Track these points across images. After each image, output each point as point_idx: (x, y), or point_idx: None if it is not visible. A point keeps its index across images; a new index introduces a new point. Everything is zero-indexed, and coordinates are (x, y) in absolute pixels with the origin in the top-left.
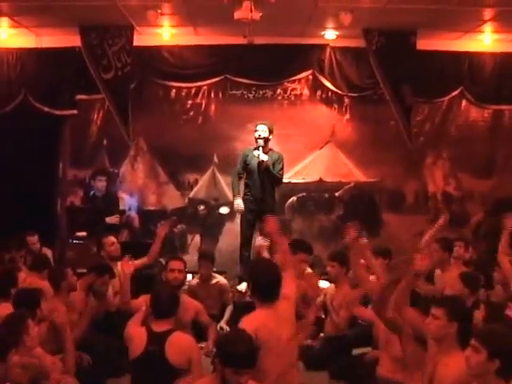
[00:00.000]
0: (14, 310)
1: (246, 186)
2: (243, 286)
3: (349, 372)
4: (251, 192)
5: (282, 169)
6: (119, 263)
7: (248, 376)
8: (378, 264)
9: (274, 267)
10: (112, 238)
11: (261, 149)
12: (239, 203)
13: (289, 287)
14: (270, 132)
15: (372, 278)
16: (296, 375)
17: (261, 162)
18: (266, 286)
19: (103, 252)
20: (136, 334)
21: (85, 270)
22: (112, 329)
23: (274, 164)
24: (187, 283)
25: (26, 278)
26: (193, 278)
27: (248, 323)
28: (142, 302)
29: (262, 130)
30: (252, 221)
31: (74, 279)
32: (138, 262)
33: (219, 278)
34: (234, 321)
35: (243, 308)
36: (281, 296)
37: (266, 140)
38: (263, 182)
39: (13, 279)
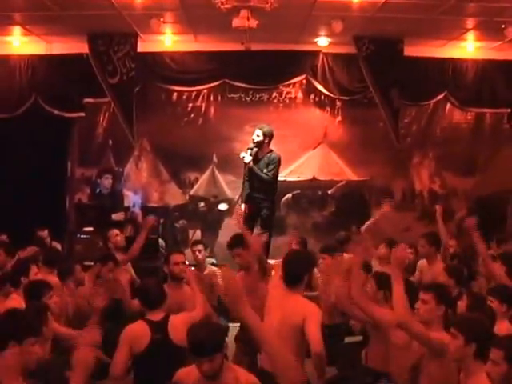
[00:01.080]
0: (25, 300)
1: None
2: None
3: (339, 358)
4: (247, 193)
5: (272, 169)
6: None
7: (210, 364)
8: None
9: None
10: (116, 230)
11: (249, 151)
12: (242, 208)
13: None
14: (266, 136)
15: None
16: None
17: (245, 163)
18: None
19: (110, 244)
20: (138, 329)
21: (92, 263)
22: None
23: (268, 164)
24: None
25: (38, 272)
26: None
27: None
28: None
29: (257, 135)
30: (252, 217)
31: (82, 275)
32: (128, 255)
33: (212, 267)
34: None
35: None
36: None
37: (261, 144)
38: (250, 181)
39: (25, 269)
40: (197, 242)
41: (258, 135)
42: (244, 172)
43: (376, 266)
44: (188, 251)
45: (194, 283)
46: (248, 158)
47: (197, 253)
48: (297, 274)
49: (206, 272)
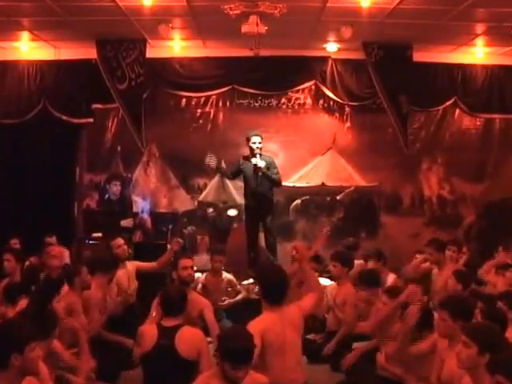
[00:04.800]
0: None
1: (245, 193)
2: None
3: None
4: (249, 198)
5: (277, 171)
6: (129, 263)
7: (245, 371)
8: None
9: (281, 272)
10: (120, 241)
11: (258, 156)
12: (234, 214)
13: (307, 304)
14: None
15: None
16: (301, 372)
17: (258, 168)
18: (273, 291)
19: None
20: (148, 330)
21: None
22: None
23: (268, 168)
24: (196, 280)
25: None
26: (202, 275)
27: (255, 326)
28: None
29: (259, 142)
30: (255, 222)
31: (88, 278)
32: (148, 265)
33: (227, 275)
34: (238, 315)
35: (250, 304)
36: (296, 304)
37: (261, 148)
38: (259, 186)
39: (35, 277)
40: (219, 252)
41: (259, 142)
42: (244, 178)
43: None
44: (197, 257)
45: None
46: (262, 163)
47: (216, 263)
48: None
49: (222, 277)
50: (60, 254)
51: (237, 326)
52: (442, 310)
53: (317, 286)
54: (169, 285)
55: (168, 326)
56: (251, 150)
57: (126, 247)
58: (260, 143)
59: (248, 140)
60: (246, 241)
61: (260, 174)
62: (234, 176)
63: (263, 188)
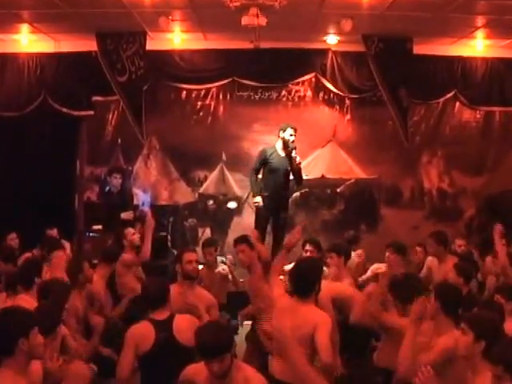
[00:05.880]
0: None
1: (265, 183)
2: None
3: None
4: (271, 189)
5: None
6: None
7: (219, 364)
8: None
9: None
10: (132, 229)
11: (294, 151)
12: (259, 201)
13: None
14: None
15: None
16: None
17: (298, 164)
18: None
19: (125, 242)
20: (142, 329)
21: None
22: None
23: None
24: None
25: (48, 271)
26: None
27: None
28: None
29: (293, 135)
30: (268, 217)
31: (90, 272)
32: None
33: (220, 268)
34: (236, 308)
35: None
36: None
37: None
38: (286, 180)
39: (38, 269)
40: (209, 244)
41: (292, 134)
42: (270, 169)
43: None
44: (198, 249)
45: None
46: (298, 158)
47: (208, 256)
48: (309, 284)
49: (217, 270)
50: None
51: (215, 320)
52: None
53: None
54: (147, 279)
55: (161, 319)
56: (285, 141)
57: (138, 236)
58: (294, 136)
59: (283, 131)
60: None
61: (297, 168)
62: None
63: (287, 183)
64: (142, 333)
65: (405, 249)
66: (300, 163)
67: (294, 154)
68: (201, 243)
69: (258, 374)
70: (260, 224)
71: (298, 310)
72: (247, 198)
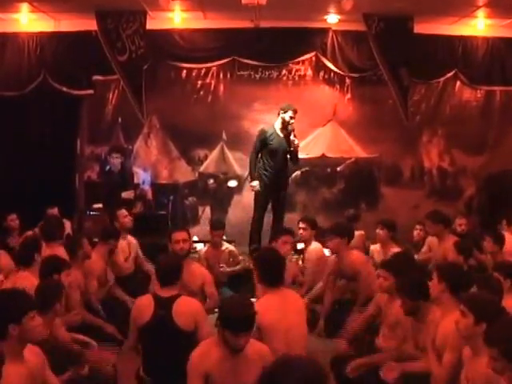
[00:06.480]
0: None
1: (265, 163)
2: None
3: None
4: (271, 170)
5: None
6: (130, 238)
7: (246, 338)
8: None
9: (278, 255)
10: (124, 211)
11: (292, 133)
12: (256, 185)
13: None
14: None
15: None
16: (305, 345)
17: (296, 146)
18: (271, 273)
19: (117, 223)
20: (144, 302)
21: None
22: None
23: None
24: (199, 252)
25: (46, 248)
26: (205, 246)
27: (256, 308)
28: None
29: (293, 117)
30: (267, 196)
31: (89, 248)
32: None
33: (228, 246)
34: (238, 284)
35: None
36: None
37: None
38: (284, 161)
39: (37, 246)
40: (219, 227)
41: (293, 117)
42: (270, 150)
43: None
44: (198, 228)
45: None
46: (296, 140)
47: (216, 237)
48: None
49: (222, 248)
50: None
51: (238, 294)
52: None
53: None
54: (163, 255)
55: (164, 296)
56: (285, 122)
57: (130, 218)
58: (294, 118)
59: (284, 112)
60: (254, 217)
61: (294, 150)
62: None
63: (286, 163)
64: (142, 306)
65: (394, 225)
66: (298, 145)
67: (292, 137)
68: (210, 224)
69: (265, 346)
70: (259, 204)
71: None
72: (247, 177)
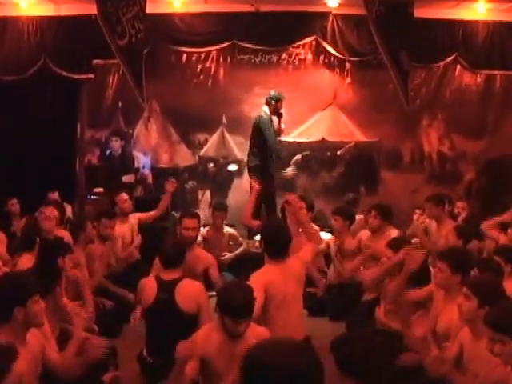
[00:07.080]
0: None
1: (267, 154)
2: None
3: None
4: (271, 159)
5: None
6: (131, 216)
7: (245, 324)
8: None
9: (284, 227)
10: (124, 195)
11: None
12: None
13: (306, 254)
14: None
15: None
16: (302, 325)
17: (282, 131)
18: (276, 244)
19: (116, 208)
20: (147, 284)
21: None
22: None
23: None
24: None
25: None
26: (204, 229)
27: (257, 279)
28: None
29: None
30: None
31: (92, 232)
32: (149, 214)
33: (228, 229)
34: (239, 268)
35: (250, 257)
36: (296, 256)
37: None
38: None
39: (38, 229)
40: (221, 209)
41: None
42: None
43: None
44: (198, 211)
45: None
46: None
47: (218, 219)
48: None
49: (225, 230)
50: (53, 216)
51: (237, 279)
52: (442, 261)
53: (315, 235)
54: (167, 238)
55: (167, 279)
56: (278, 111)
57: (130, 202)
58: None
59: (275, 101)
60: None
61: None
62: None
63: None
64: (146, 288)
65: (388, 211)
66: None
67: (283, 126)
68: (213, 206)
69: (266, 330)
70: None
71: None
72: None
